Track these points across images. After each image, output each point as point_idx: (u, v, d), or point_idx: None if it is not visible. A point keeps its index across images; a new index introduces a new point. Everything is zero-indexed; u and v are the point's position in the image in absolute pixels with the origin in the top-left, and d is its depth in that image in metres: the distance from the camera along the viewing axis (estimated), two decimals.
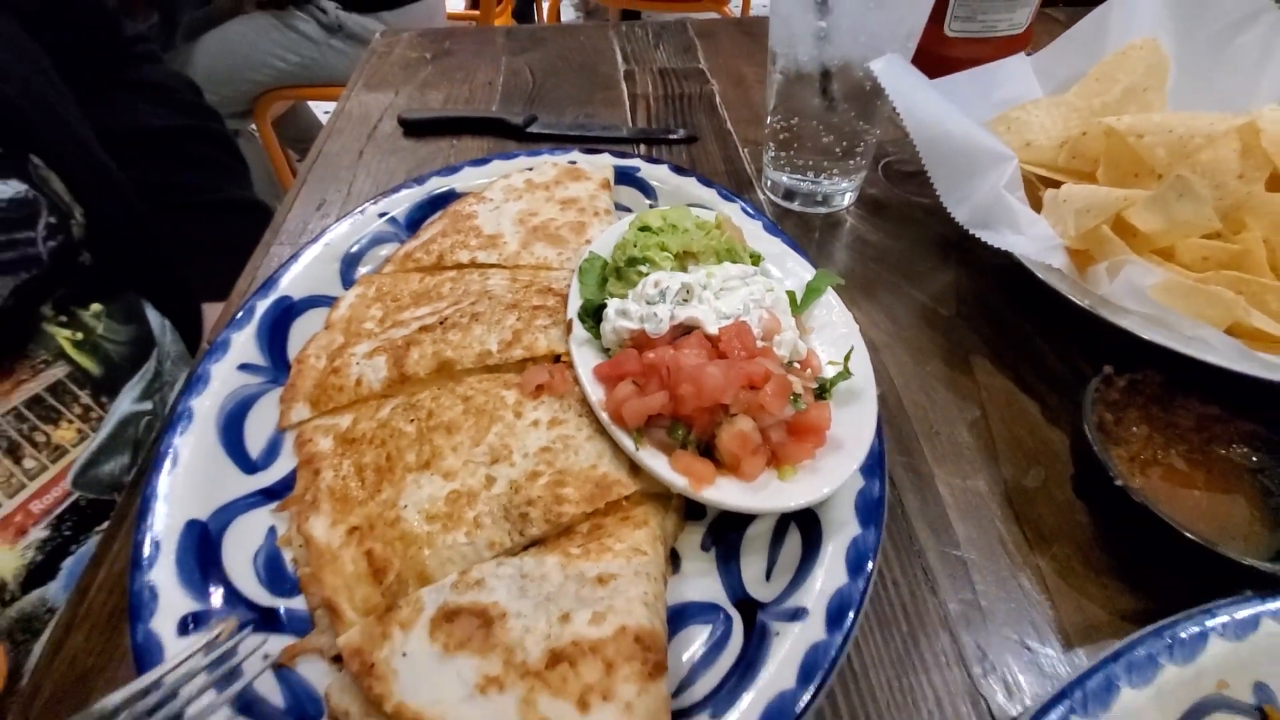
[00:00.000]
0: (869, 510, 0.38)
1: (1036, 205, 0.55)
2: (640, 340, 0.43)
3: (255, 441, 0.45)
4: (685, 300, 0.45)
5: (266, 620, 0.36)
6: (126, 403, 0.56)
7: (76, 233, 0.55)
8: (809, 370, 0.44)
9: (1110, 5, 0.64)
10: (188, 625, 0.34)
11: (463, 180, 0.64)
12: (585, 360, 0.44)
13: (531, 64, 1.00)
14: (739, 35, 1.10)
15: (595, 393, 0.42)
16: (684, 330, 0.43)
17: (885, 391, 0.52)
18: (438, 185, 0.63)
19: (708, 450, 0.39)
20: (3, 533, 0.45)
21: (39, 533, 0.47)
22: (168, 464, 0.40)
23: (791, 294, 0.49)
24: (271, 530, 0.41)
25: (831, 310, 0.49)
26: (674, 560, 0.40)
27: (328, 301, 0.54)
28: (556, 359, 0.46)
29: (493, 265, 0.55)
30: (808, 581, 0.35)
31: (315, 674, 0.34)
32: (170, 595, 0.35)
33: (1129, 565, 0.42)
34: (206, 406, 0.44)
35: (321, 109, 2.30)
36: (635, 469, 0.40)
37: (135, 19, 1.70)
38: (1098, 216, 0.48)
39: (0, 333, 0.49)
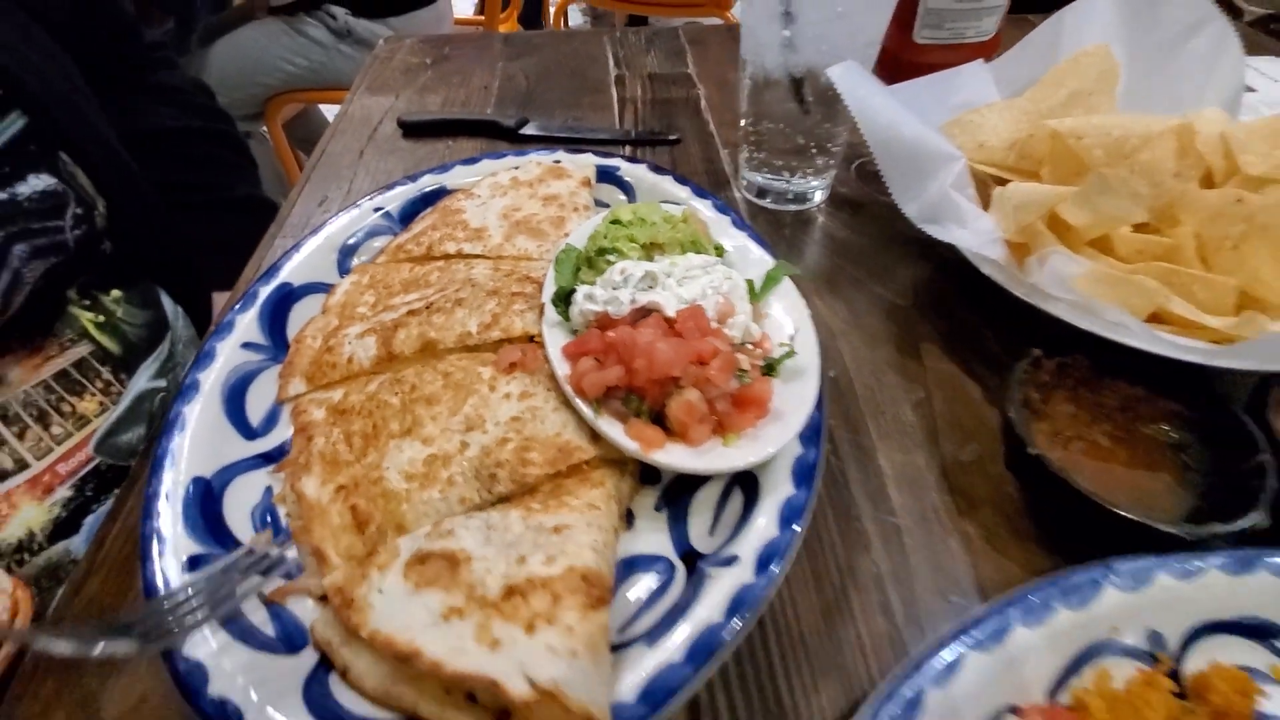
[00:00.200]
0: (803, 474, 0.42)
1: (989, 202, 0.59)
2: (603, 321, 0.47)
3: (255, 412, 0.49)
4: (650, 287, 0.49)
5: (260, 562, 0.41)
6: (143, 380, 0.61)
7: (99, 223, 0.60)
8: (759, 350, 0.48)
9: (1064, 13, 0.67)
10: (191, 565, 0.38)
11: (453, 178, 0.69)
12: (555, 340, 0.48)
13: (526, 69, 1.05)
14: (729, 41, 1.14)
15: (561, 369, 0.46)
16: (645, 313, 0.48)
17: (839, 375, 0.56)
18: (430, 182, 0.68)
19: (660, 419, 0.44)
20: (33, 490, 0.50)
21: (64, 492, 0.52)
22: (176, 429, 0.45)
23: (751, 283, 0.53)
24: (268, 489, 0.45)
25: (787, 297, 0.53)
26: (629, 519, 0.44)
27: (325, 288, 0.59)
28: (530, 339, 0.51)
29: (477, 256, 0.60)
30: (743, 535, 0.39)
31: (303, 611, 0.39)
32: (176, 540, 0.39)
33: (1049, 531, 0.45)
34: (212, 380, 0.49)
35: (330, 111, 2.35)
36: (596, 437, 0.44)
37: (152, 25, 1.77)
38: (1033, 212, 0.52)
39: (32, 312, 0.54)
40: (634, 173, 0.69)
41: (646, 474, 0.46)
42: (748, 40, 0.66)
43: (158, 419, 0.64)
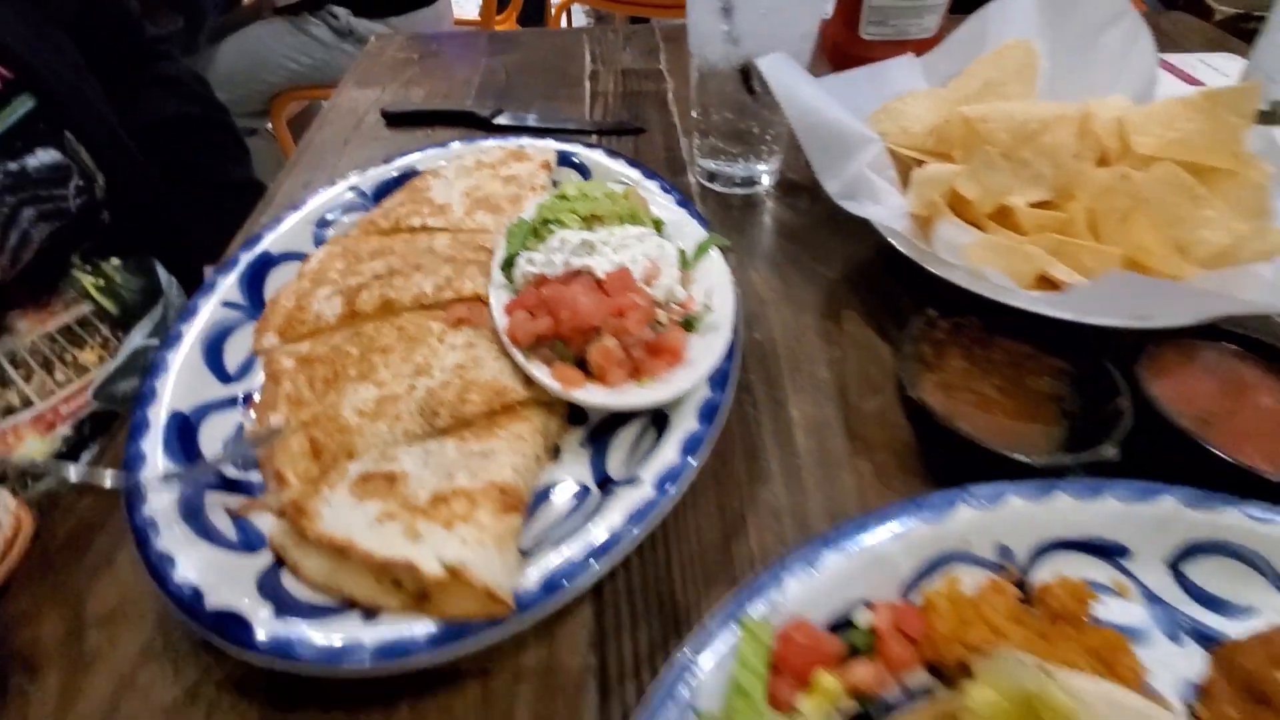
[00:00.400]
0: (707, 413, 0.47)
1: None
2: (539, 281, 0.53)
3: (232, 360, 0.55)
4: (589, 253, 0.55)
5: (229, 486, 0.47)
6: (138, 338, 0.68)
7: (99, 195, 0.67)
8: (681, 309, 0.54)
9: (989, 9, 0.73)
10: (166, 479, 0.44)
11: (424, 160, 0.75)
12: (499, 299, 0.54)
13: (507, 64, 1.11)
14: None
15: (501, 322, 0.52)
16: (579, 275, 0.53)
17: (764, 338, 0.61)
18: (402, 164, 0.74)
19: (584, 365, 0.49)
20: (36, 426, 0.56)
21: (64, 430, 0.59)
22: (160, 370, 0.51)
23: (683, 252, 0.59)
24: (240, 425, 0.51)
25: (714, 265, 0.59)
26: (557, 454, 0.50)
27: (301, 256, 0.65)
28: (478, 299, 0.56)
29: (439, 229, 0.66)
30: (648, 461, 0.45)
31: (263, 524, 0.45)
32: (155, 459, 0.45)
33: (935, 470, 0.50)
34: (194, 331, 0.55)
35: None
36: (529, 382, 0.50)
37: (160, 24, 1.85)
38: (934, 188, 0.57)
39: (39, 271, 0.61)
40: (590, 157, 0.75)
41: (575, 416, 0.52)
42: (694, 34, 0.71)
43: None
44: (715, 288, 0.57)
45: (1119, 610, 0.41)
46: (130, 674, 0.40)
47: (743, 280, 0.67)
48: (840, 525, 0.41)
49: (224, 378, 0.54)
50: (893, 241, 0.57)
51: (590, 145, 0.76)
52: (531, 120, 0.94)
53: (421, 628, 0.36)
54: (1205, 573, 0.42)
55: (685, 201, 0.67)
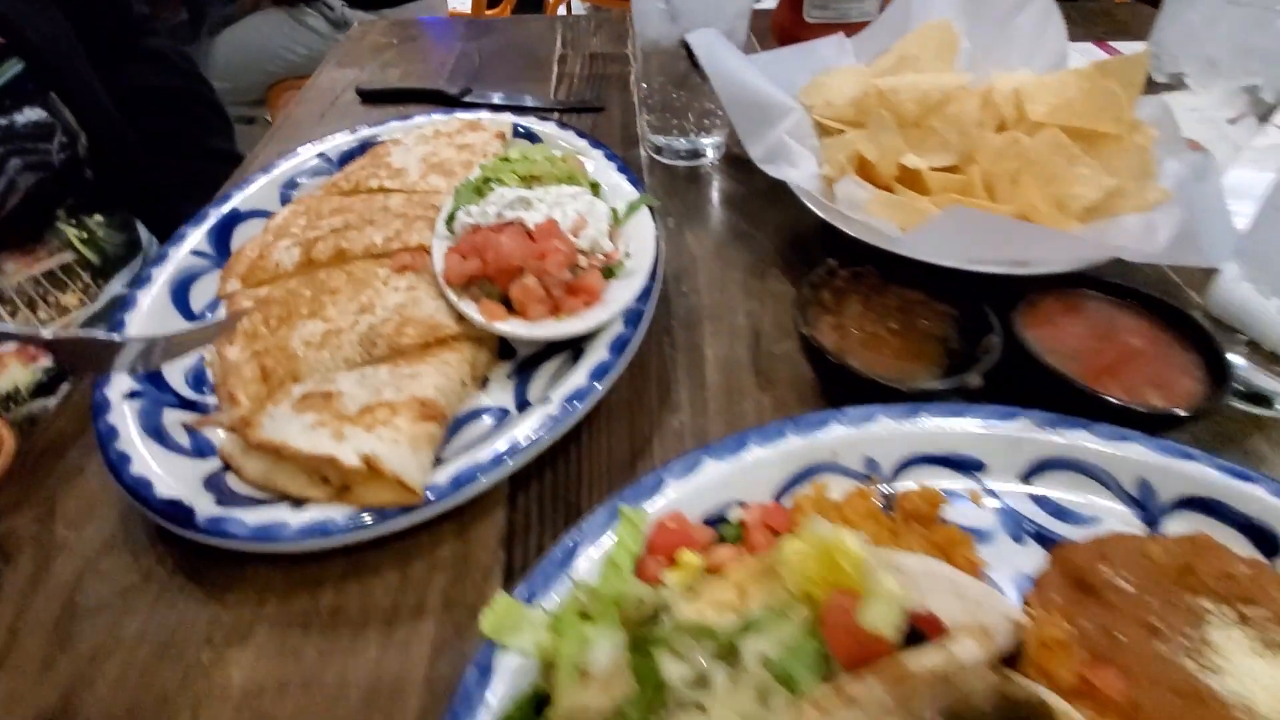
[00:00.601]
0: (618, 346, 0.52)
1: None
2: (475, 230, 0.58)
3: (197, 302, 0.61)
4: (525, 208, 0.60)
5: (188, 406, 0.52)
6: (117, 286, 0.74)
7: (81, 152, 0.73)
8: (605, 258, 0.59)
9: None
10: (130, 396, 0.50)
11: (388, 131, 0.80)
12: (440, 249, 0.59)
13: (481, 48, 1.16)
14: None
15: (440, 267, 0.57)
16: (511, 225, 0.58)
17: (690, 291, 0.67)
18: (367, 134, 0.79)
19: (509, 304, 0.54)
20: (20, 356, 0.62)
21: (46, 362, 0.64)
22: (130, 306, 0.56)
23: (615, 210, 0.64)
24: (201, 357, 0.56)
25: (643, 223, 0.64)
26: (485, 384, 0.55)
27: (267, 214, 0.70)
28: (423, 250, 0.62)
29: (395, 190, 0.71)
30: (560, 384, 0.50)
31: (215, 438, 0.50)
32: (121, 378, 0.50)
33: (830, 402, 0.55)
34: (164, 275, 0.60)
35: None
36: (461, 320, 0.55)
37: (164, 17, 1.91)
38: (841, 151, 0.62)
39: (26, 219, 0.67)
40: (544, 130, 0.80)
41: (505, 353, 0.57)
42: (636, 12, 0.76)
43: None
44: (640, 240, 0.62)
45: (971, 515, 0.46)
46: (94, 560, 0.46)
47: (678, 242, 0.72)
48: (718, 440, 0.46)
49: (189, 316, 0.59)
50: (803, 199, 0.62)
51: (544, 119, 0.81)
52: (497, 99, 0.99)
53: (341, 512, 0.42)
54: (1054, 485, 0.47)
55: (624, 168, 0.72)
